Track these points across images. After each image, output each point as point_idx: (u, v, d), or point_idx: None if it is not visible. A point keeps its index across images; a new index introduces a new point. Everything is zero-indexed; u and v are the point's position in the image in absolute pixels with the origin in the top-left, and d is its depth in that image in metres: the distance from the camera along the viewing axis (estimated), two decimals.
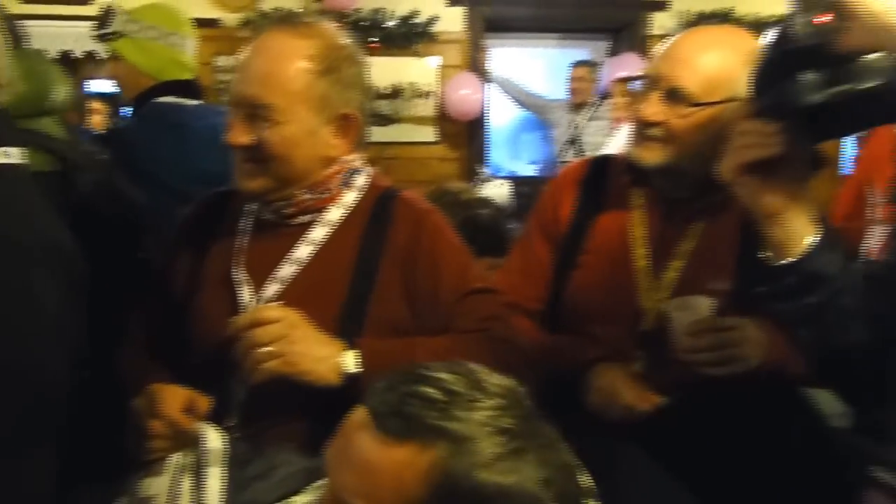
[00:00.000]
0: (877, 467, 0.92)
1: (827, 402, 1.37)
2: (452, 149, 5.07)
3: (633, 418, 1.32)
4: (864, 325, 1.03)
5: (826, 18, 0.87)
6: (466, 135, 5.08)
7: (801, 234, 1.04)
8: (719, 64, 1.31)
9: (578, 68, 4.94)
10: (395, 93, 4.88)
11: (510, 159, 6.01)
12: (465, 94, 4.90)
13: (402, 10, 4.83)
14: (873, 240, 2.07)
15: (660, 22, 5.08)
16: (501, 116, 5.85)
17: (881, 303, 1.01)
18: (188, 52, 2.08)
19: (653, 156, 1.36)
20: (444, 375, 0.83)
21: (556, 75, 5.35)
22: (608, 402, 1.35)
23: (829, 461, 1.06)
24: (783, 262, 1.04)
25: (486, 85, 5.02)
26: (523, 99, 5.20)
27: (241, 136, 1.25)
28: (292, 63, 1.25)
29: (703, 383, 1.27)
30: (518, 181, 4.92)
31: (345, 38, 1.32)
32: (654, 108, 1.34)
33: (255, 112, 1.24)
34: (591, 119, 4.80)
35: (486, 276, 1.43)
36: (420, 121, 4.97)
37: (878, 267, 1.09)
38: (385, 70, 4.82)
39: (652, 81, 1.36)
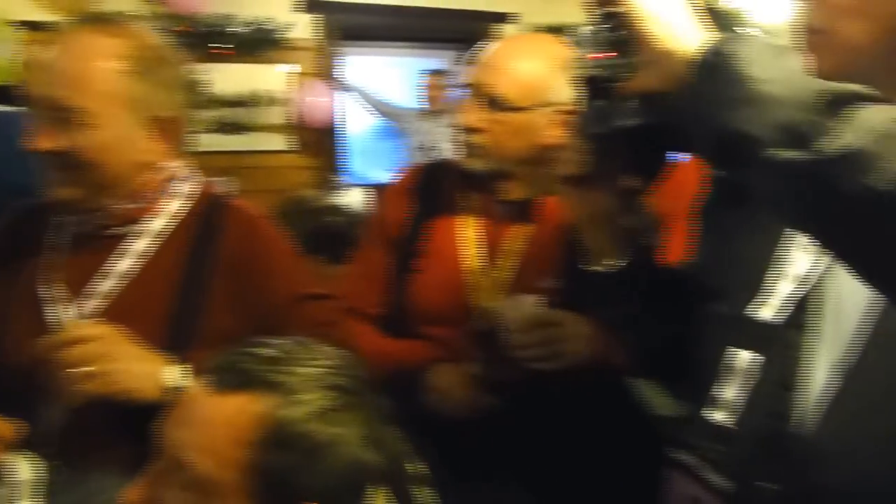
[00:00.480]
0: (677, 449, 0.98)
1: (656, 392, 1.45)
2: (307, 157, 5.00)
3: (468, 416, 1.35)
4: (674, 323, 1.09)
5: (600, 56, 0.91)
6: (322, 143, 5.02)
7: (612, 245, 1.09)
8: (533, 71, 1.37)
9: (431, 77, 5.02)
10: (247, 100, 4.75)
11: (369, 167, 6.01)
12: (318, 101, 4.84)
13: (252, 15, 4.71)
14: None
15: (507, 33, 5.23)
16: (358, 124, 5.83)
17: (684, 300, 1.08)
18: (2, 56, 1.93)
19: (478, 160, 1.42)
20: (279, 341, 0.90)
21: (411, 83, 5.40)
22: (445, 401, 1.37)
23: (647, 448, 1.12)
24: (596, 271, 1.10)
25: (341, 93, 4.99)
26: (378, 107, 5.22)
27: (46, 141, 1.17)
28: (102, 63, 1.18)
29: (536, 379, 1.31)
30: (377, 189, 4.92)
31: (159, 38, 1.26)
32: (475, 115, 1.40)
33: (61, 115, 1.17)
34: (444, 126, 4.88)
35: (322, 282, 1.42)
36: (273, 129, 4.86)
37: (680, 268, 1.16)
38: (235, 77, 4.68)
39: (473, 90, 1.42)
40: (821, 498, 0.88)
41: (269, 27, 4.74)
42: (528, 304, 1.32)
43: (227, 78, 4.60)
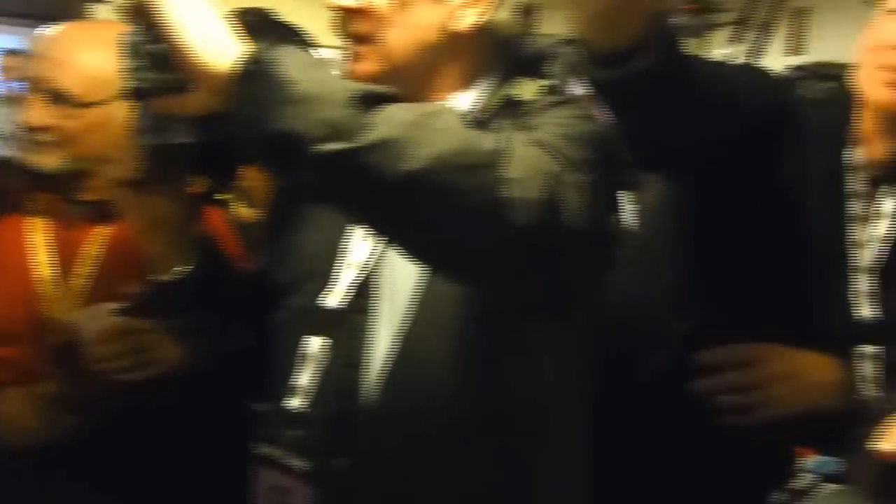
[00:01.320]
0: (260, 444, 1.02)
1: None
2: None
3: (46, 442, 1.23)
4: (246, 326, 1.13)
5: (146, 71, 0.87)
6: None
7: (178, 251, 1.09)
8: (100, 62, 1.27)
9: (10, 57, 4.49)
10: None
11: None
12: None
13: None
14: None
15: (102, 14, 4.84)
16: None
17: (256, 301, 1.12)
18: None
19: (48, 160, 1.29)
20: None
21: None
22: (14, 429, 1.24)
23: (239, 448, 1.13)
24: (162, 279, 1.11)
25: None
26: None
27: None
28: None
29: (125, 392, 1.25)
30: None
31: None
32: (39, 113, 1.28)
33: None
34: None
35: None
36: None
37: (252, 269, 1.20)
38: None
39: (34, 84, 1.29)
40: (387, 463, 0.99)
41: None
42: (109, 313, 1.24)
43: None
